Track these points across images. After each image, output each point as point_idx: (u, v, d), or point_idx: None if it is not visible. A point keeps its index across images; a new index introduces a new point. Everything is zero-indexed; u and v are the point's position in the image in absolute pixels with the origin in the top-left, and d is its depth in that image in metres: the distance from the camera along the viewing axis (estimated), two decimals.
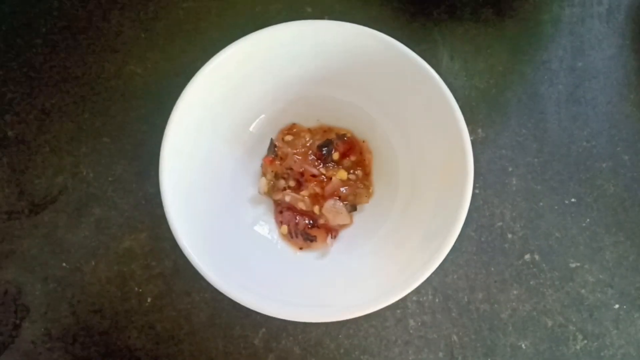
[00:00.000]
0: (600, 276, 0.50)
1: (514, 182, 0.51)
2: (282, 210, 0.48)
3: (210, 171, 0.46)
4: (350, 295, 0.42)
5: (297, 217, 0.47)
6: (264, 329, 0.48)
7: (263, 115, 0.49)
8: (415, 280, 0.40)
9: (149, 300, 0.49)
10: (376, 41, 0.44)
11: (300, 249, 0.47)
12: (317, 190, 0.48)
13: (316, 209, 0.47)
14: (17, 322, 0.48)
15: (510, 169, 0.52)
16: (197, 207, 0.43)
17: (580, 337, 0.49)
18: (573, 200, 0.51)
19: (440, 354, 0.48)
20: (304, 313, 0.40)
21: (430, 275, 0.41)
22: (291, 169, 0.48)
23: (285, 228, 0.47)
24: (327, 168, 0.49)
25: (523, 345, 0.49)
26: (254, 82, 0.46)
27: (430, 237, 0.42)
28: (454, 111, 0.43)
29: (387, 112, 0.48)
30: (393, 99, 0.47)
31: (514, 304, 0.49)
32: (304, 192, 0.47)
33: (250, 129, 0.49)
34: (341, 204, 0.47)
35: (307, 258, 0.46)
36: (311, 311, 0.40)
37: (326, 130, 0.50)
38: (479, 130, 0.52)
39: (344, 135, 0.49)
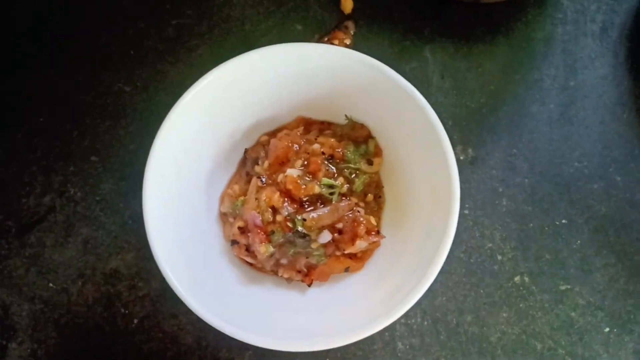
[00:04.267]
0: (591, 299, 0.49)
1: (505, 202, 0.51)
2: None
3: (196, 196, 0.45)
4: (338, 323, 0.41)
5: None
6: (250, 352, 0.48)
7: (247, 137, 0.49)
8: (403, 306, 0.40)
9: (135, 321, 0.48)
10: (362, 64, 0.44)
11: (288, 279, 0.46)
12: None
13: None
14: (4, 342, 0.48)
15: (500, 190, 0.51)
16: (181, 234, 0.43)
17: None
18: (564, 221, 0.51)
19: None
20: (291, 344, 0.40)
21: (419, 298, 0.41)
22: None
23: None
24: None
25: None
26: (240, 105, 0.46)
27: (418, 262, 0.42)
28: (439, 134, 0.42)
29: (376, 135, 0.48)
30: (380, 121, 0.47)
31: (503, 327, 0.49)
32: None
33: (237, 151, 0.48)
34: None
35: (294, 286, 0.46)
36: (299, 341, 0.40)
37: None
38: (469, 150, 0.52)
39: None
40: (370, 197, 0.47)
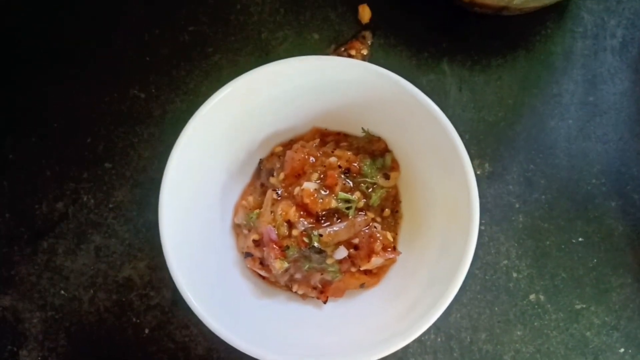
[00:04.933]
0: (606, 318, 0.49)
1: (521, 219, 0.51)
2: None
3: (210, 206, 0.45)
4: (352, 341, 0.41)
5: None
6: None
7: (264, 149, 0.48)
8: (420, 326, 0.39)
9: (146, 331, 0.48)
10: (379, 77, 0.43)
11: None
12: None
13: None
14: (14, 349, 0.48)
15: (517, 206, 0.51)
16: (195, 244, 0.43)
17: None
18: (580, 239, 0.50)
19: None
20: None
21: None
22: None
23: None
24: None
25: None
26: (256, 117, 0.45)
27: (435, 281, 0.42)
28: (457, 149, 0.42)
29: (393, 149, 0.47)
30: (397, 134, 0.47)
31: (517, 345, 0.48)
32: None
33: (251, 161, 0.48)
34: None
35: (309, 300, 0.45)
36: None
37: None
38: (486, 165, 0.52)
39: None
40: (387, 212, 0.46)
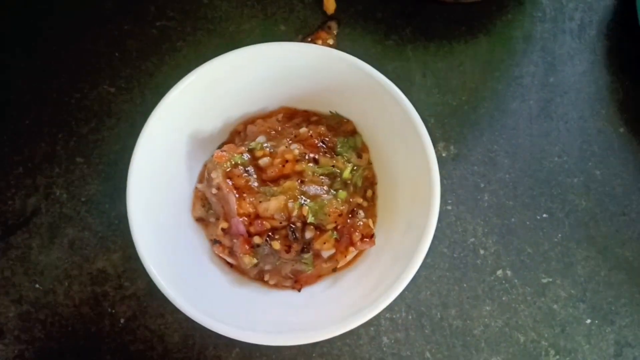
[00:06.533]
0: (572, 291, 0.50)
1: (486, 198, 0.52)
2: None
3: (180, 193, 0.46)
4: (323, 317, 0.42)
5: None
6: (237, 349, 0.48)
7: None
8: (386, 299, 0.40)
9: (122, 321, 0.49)
10: (342, 62, 0.44)
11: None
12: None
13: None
14: None
15: (482, 185, 0.52)
16: (166, 234, 0.43)
17: (552, 352, 0.49)
18: (545, 215, 0.52)
19: None
20: (277, 338, 0.40)
21: (403, 292, 0.41)
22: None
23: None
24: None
25: None
26: (222, 104, 0.46)
27: (401, 255, 0.42)
28: (418, 129, 0.43)
29: (360, 131, 0.49)
30: (364, 118, 0.48)
31: (486, 320, 0.49)
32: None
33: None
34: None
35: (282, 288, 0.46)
36: (284, 335, 0.40)
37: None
38: (451, 147, 0.53)
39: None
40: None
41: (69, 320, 0.49)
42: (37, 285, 0.49)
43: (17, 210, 0.51)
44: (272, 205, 0.42)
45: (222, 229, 0.44)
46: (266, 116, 0.49)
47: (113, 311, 0.49)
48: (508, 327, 0.49)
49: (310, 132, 0.45)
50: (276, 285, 0.45)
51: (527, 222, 0.51)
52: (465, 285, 0.50)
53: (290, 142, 0.45)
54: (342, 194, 0.44)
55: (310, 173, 0.44)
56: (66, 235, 0.50)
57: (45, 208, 0.51)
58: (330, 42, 0.55)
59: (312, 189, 0.43)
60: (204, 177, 0.47)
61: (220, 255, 0.45)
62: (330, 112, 0.49)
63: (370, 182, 0.48)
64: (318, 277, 0.45)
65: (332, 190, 0.44)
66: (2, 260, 0.50)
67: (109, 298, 0.49)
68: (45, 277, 0.49)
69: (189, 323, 0.49)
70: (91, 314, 0.49)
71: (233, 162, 0.43)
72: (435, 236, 0.42)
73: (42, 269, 0.50)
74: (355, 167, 0.46)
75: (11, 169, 0.51)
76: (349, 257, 0.44)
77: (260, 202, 0.43)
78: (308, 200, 0.43)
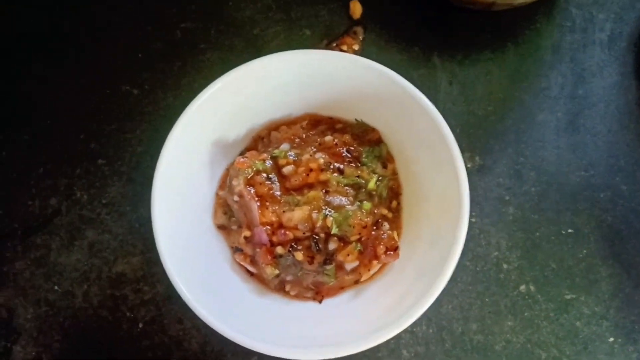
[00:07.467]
0: (596, 308, 0.49)
1: (511, 211, 0.51)
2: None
3: (202, 200, 0.45)
4: (345, 331, 0.41)
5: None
6: (255, 357, 0.48)
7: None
8: (411, 316, 0.40)
9: (140, 326, 0.48)
10: (369, 70, 0.44)
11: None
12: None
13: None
14: (8, 345, 0.48)
15: (507, 198, 0.51)
16: (188, 239, 0.43)
17: None
18: (570, 230, 0.51)
19: None
20: (298, 352, 0.40)
21: None
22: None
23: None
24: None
25: None
26: (248, 111, 0.46)
27: (425, 272, 0.42)
28: (448, 141, 0.42)
29: (386, 140, 0.48)
30: (390, 127, 0.47)
31: (508, 335, 0.49)
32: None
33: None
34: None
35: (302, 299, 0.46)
36: (305, 350, 0.40)
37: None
38: (477, 158, 0.52)
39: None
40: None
41: (87, 323, 0.49)
42: (55, 287, 0.49)
43: (38, 211, 0.50)
44: (297, 215, 0.42)
45: (245, 237, 0.44)
46: (290, 123, 0.48)
47: (131, 315, 0.49)
48: (530, 343, 0.49)
49: (335, 140, 0.45)
50: (297, 296, 0.45)
51: (552, 237, 0.50)
52: (487, 299, 0.49)
53: (314, 150, 0.45)
54: (367, 205, 0.43)
55: (334, 183, 0.43)
56: (86, 238, 0.50)
57: (65, 209, 0.51)
58: (356, 47, 0.55)
59: (337, 199, 0.43)
60: (225, 183, 0.47)
61: (242, 263, 0.45)
62: (355, 120, 0.48)
63: (395, 193, 0.47)
64: (340, 289, 0.45)
65: (356, 202, 0.43)
66: (22, 262, 0.49)
67: (127, 302, 0.49)
68: (64, 279, 0.49)
69: (208, 330, 0.48)
70: (109, 317, 0.49)
71: (255, 169, 0.43)
72: None
73: (61, 271, 0.49)
74: (380, 178, 0.45)
75: (32, 170, 0.51)
76: (373, 270, 0.43)
77: (284, 211, 0.42)
78: (332, 211, 0.42)
